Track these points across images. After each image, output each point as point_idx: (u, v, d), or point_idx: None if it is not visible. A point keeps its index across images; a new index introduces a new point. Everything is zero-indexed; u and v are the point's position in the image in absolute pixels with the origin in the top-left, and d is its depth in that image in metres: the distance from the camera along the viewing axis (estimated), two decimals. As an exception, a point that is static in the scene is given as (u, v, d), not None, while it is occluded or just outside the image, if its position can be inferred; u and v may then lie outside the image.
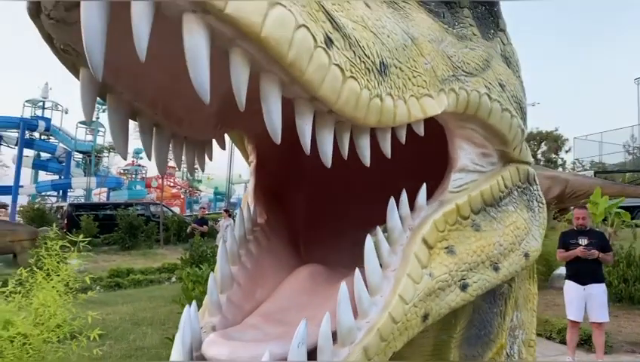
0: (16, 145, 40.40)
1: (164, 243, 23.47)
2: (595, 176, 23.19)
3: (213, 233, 18.95)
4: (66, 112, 45.79)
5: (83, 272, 5.08)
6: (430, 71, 1.13)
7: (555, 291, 8.14)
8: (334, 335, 0.97)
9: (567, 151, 40.86)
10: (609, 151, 31.65)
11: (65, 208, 26.85)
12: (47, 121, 42.63)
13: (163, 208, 26.43)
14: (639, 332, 7.93)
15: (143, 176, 56.64)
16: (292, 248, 1.52)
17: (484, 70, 1.35)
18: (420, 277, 1.11)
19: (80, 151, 47.08)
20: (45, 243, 4.43)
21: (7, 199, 35.74)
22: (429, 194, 1.27)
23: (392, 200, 1.17)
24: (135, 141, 1.16)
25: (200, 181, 59.85)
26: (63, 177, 44.32)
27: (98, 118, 43.51)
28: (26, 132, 40.40)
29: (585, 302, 6.58)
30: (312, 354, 0.95)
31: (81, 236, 4.56)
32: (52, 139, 44.50)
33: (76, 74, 0.93)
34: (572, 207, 8.14)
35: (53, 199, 42.16)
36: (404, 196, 1.19)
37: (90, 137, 48.25)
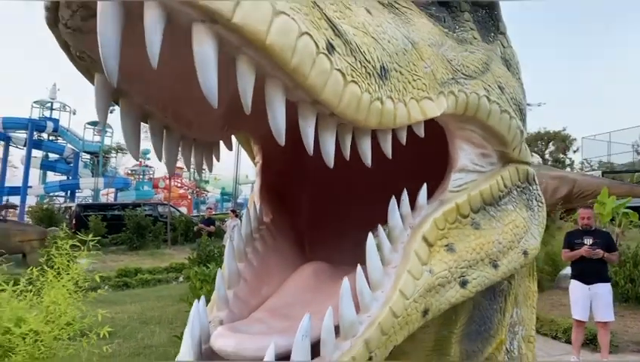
0: (24, 145, 40.71)
1: (172, 243, 23.64)
2: (602, 176, 23.05)
3: (220, 233, 19.05)
4: (74, 113, 46.06)
5: (92, 272, 5.17)
6: (430, 74, 1.17)
7: (562, 291, 8.16)
8: (337, 329, 1.01)
9: (575, 151, 40.71)
10: (617, 151, 31.43)
11: (73, 208, 27.04)
12: (56, 121, 42.91)
13: (170, 208, 26.59)
14: (645, 332, 7.93)
15: (151, 176, 56.93)
16: (297, 247, 1.56)
17: (483, 73, 1.38)
18: (420, 273, 1.15)
19: (88, 152, 47.36)
20: (55, 243, 4.51)
21: (15, 199, 35.99)
22: (430, 194, 1.31)
23: (393, 200, 1.21)
24: (143, 142, 1.21)
25: (207, 181, 60.07)
26: (71, 178, 44.60)
27: (106, 118, 43.82)
28: (35, 133, 40.69)
29: (590, 301, 6.61)
30: (315, 346, 0.98)
31: (90, 235, 4.64)
32: (60, 140, 44.80)
33: (90, 79, 0.98)
34: (579, 207, 8.14)
35: (61, 200, 42.42)
36: (404, 195, 1.23)
37: (97, 138, 48.50)
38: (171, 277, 14.83)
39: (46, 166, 45.16)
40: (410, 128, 1.14)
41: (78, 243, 4.54)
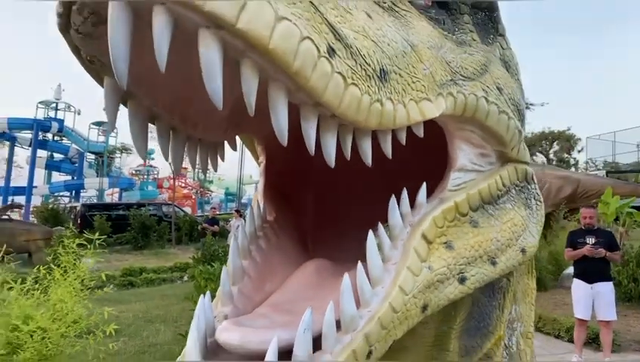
0: (29, 146, 40.89)
1: (176, 242, 23.70)
2: (607, 175, 22.97)
3: (224, 233, 19.11)
4: (79, 113, 46.20)
5: (96, 271, 5.23)
6: (429, 76, 1.19)
7: (565, 290, 8.18)
8: (338, 323, 1.03)
9: (579, 151, 40.58)
10: (622, 151, 31.28)
11: (78, 208, 27.14)
12: (60, 122, 43.08)
13: (175, 208, 26.65)
14: (648, 331, 7.94)
15: (155, 176, 57.05)
16: (300, 245, 1.59)
17: (482, 74, 1.41)
18: (419, 270, 1.18)
19: (92, 152, 47.55)
20: (62, 242, 4.57)
21: (20, 199, 36.16)
22: (430, 193, 1.34)
23: (393, 199, 1.24)
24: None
25: (211, 182, 60.20)
26: (75, 178, 44.78)
27: (111, 119, 43.97)
28: (40, 133, 40.86)
29: (592, 300, 6.62)
30: (317, 340, 1.01)
31: (96, 235, 4.70)
32: (65, 140, 44.98)
33: (100, 82, 1.01)
34: (582, 207, 8.16)
35: (66, 199, 42.60)
36: (404, 194, 1.26)
37: (102, 138, 48.69)
38: (176, 276, 14.88)
39: (51, 166, 45.35)
40: (410, 128, 1.16)
41: (85, 242, 4.60)
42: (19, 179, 42.26)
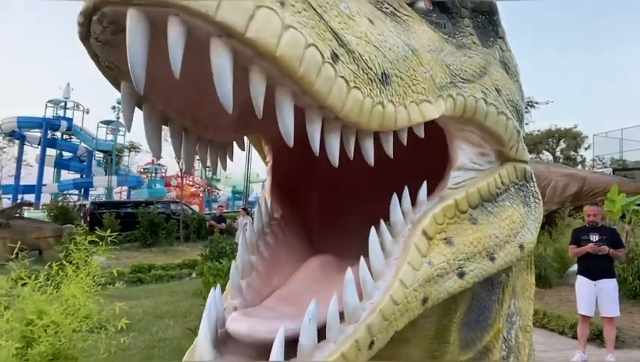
0: (39, 144, 41.28)
1: (185, 240, 23.87)
2: (613, 173, 22.82)
3: (232, 230, 19.21)
4: (87, 112, 46.59)
5: (105, 269, 5.32)
6: (429, 79, 1.23)
7: (570, 287, 8.21)
8: (342, 315, 1.08)
9: (586, 149, 40.32)
10: (630, 149, 31.05)
11: (87, 206, 27.36)
12: (69, 121, 43.44)
13: (183, 206, 26.81)
14: (652, 328, 7.96)
15: (163, 174, 57.32)
16: (305, 241, 1.63)
17: (481, 76, 1.45)
18: (419, 264, 1.22)
19: (101, 151, 47.83)
20: (74, 239, 4.67)
21: (30, 197, 36.47)
22: (431, 191, 1.38)
23: (394, 197, 1.28)
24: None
25: (219, 180, 60.34)
26: (84, 176, 45.13)
27: (119, 117, 44.22)
28: (49, 132, 41.23)
29: (596, 297, 6.65)
30: (321, 331, 1.06)
31: (108, 232, 4.79)
32: (74, 139, 45.36)
33: (117, 86, 1.07)
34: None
35: (75, 197, 42.91)
36: (405, 192, 1.30)
37: (110, 137, 48.98)
38: (184, 273, 15.01)
39: (60, 164, 45.74)
40: (411, 129, 1.20)
41: (97, 239, 4.69)
42: (28, 178, 42.66)
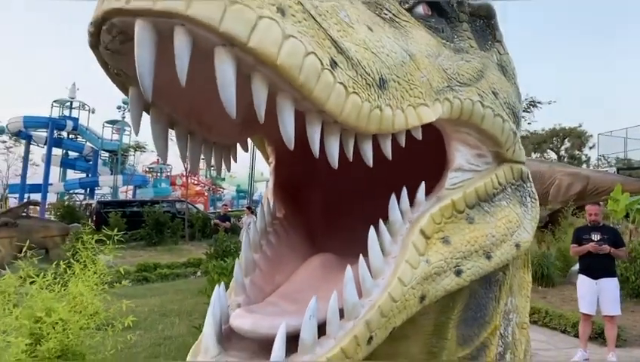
0: (45, 144, 41.37)
1: (189, 239, 23.92)
2: (618, 172, 22.73)
3: (236, 229, 19.27)
4: (93, 112, 46.55)
5: (112, 267, 5.39)
6: (426, 83, 1.27)
7: (573, 286, 8.24)
8: (341, 312, 1.12)
9: (591, 148, 40.12)
10: (635, 148, 30.87)
11: (93, 205, 27.46)
12: (75, 120, 43.46)
13: (188, 205, 26.89)
14: (654, 327, 7.97)
15: (168, 174, 57.41)
16: (307, 240, 1.66)
17: (478, 80, 1.48)
18: (417, 263, 1.25)
19: (107, 150, 47.87)
20: (81, 238, 4.74)
21: (36, 197, 36.63)
22: (429, 192, 1.42)
23: (393, 197, 1.32)
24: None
25: (223, 179, 60.35)
26: (90, 175, 45.22)
27: (124, 117, 44.41)
28: (55, 131, 41.28)
29: (597, 295, 6.68)
30: (322, 327, 1.09)
31: (115, 231, 4.86)
32: (79, 139, 45.39)
33: (125, 92, 1.12)
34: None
35: (81, 197, 43.08)
36: (404, 193, 1.34)
37: (116, 136, 49.09)
38: (189, 271, 15.05)
39: (66, 164, 45.81)
40: (409, 132, 1.24)
41: (104, 238, 4.76)
42: (34, 177, 42.77)
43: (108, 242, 4.79)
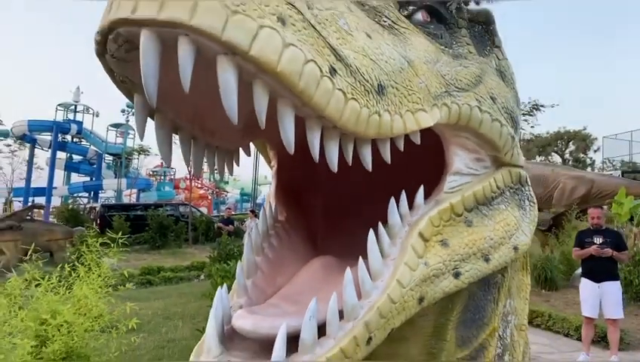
0: (49, 147, 41.59)
1: (193, 242, 23.98)
2: (622, 175, 22.65)
3: (239, 232, 19.28)
4: (97, 115, 46.85)
5: (115, 271, 5.43)
6: (424, 89, 1.29)
7: (576, 290, 8.25)
8: (341, 313, 1.14)
9: (595, 151, 40.02)
10: (639, 151, 30.78)
11: (97, 209, 27.55)
12: (79, 124, 43.72)
13: (191, 209, 26.94)
14: (658, 330, 7.96)
15: (172, 177, 57.52)
16: (308, 242, 1.68)
17: (476, 85, 1.50)
18: (416, 265, 1.27)
19: (111, 154, 48.10)
20: (86, 241, 4.78)
21: (40, 200, 36.79)
22: (428, 195, 1.44)
23: (392, 200, 1.34)
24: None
25: (227, 182, 60.38)
26: (94, 179, 45.41)
27: (128, 121, 44.55)
28: (59, 135, 41.51)
29: (600, 299, 6.68)
30: (322, 328, 1.12)
31: (118, 234, 4.90)
32: (84, 142, 45.67)
33: (130, 98, 1.15)
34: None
35: (85, 200, 43.21)
36: (403, 196, 1.36)
37: (120, 140, 49.27)
38: (193, 275, 15.09)
39: (70, 167, 46.03)
40: (407, 137, 1.26)
41: (108, 241, 4.80)
42: (39, 180, 42.94)
43: (112, 245, 4.83)
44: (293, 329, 1.11)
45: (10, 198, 36.82)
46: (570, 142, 41.58)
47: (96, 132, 46.12)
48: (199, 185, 56.26)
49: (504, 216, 1.56)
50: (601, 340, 7.37)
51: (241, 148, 1.45)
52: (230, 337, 1.22)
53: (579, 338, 7.35)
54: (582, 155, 41.11)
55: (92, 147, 45.68)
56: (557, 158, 40.41)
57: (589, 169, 35.22)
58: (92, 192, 45.36)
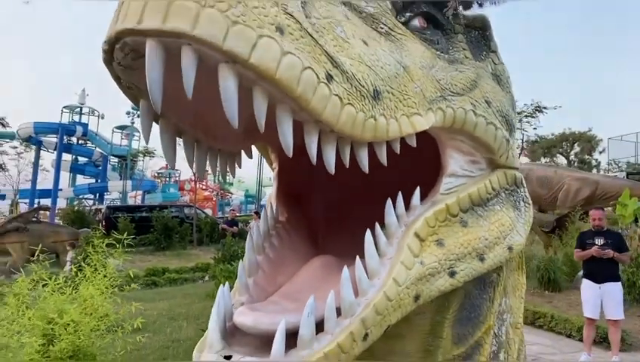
0: (55, 149, 41.77)
1: (198, 243, 23.99)
2: (627, 177, 22.55)
3: (244, 234, 19.31)
4: (102, 118, 46.96)
5: (121, 271, 5.50)
6: (419, 93, 1.33)
7: (579, 291, 8.26)
8: (339, 311, 1.18)
9: (601, 152, 39.84)
10: (645, 152, 30.63)
11: (103, 210, 27.63)
12: (85, 126, 43.87)
13: (196, 210, 27.00)
14: (660, 331, 7.96)
15: (177, 179, 57.61)
16: (309, 242, 1.72)
17: (471, 89, 1.54)
18: (412, 264, 1.31)
19: (116, 156, 48.26)
20: (92, 242, 4.85)
21: (46, 202, 36.93)
22: (425, 196, 1.48)
23: (389, 201, 1.38)
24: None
25: (231, 184, 60.42)
26: (99, 181, 45.56)
27: (133, 123, 44.69)
28: (65, 137, 41.67)
29: (601, 299, 6.70)
30: (320, 325, 1.16)
31: (124, 236, 4.96)
32: (89, 144, 45.84)
33: (136, 103, 1.19)
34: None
35: (90, 202, 43.36)
36: (399, 197, 1.40)
37: (125, 142, 49.44)
38: (197, 276, 15.13)
39: (75, 169, 46.23)
40: (404, 140, 1.30)
41: (114, 242, 4.87)
42: (44, 182, 43.07)
43: (117, 246, 4.89)
44: (292, 325, 1.14)
45: (16, 200, 36.94)
46: (576, 144, 41.43)
47: (101, 134, 46.30)
48: (204, 187, 56.34)
49: (499, 216, 1.60)
50: (603, 341, 7.37)
51: (243, 151, 1.49)
52: (232, 333, 1.26)
53: (581, 339, 7.35)
54: (587, 157, 40.93)
55: (97, 149, 45.85)
56: (562, 160, 40.26)
57: (594, 170, 35.07)
58: (97, 194, 45.51)
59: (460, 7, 1.68)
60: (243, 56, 0.95)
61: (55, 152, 41.57)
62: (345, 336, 1.15)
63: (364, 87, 1.15)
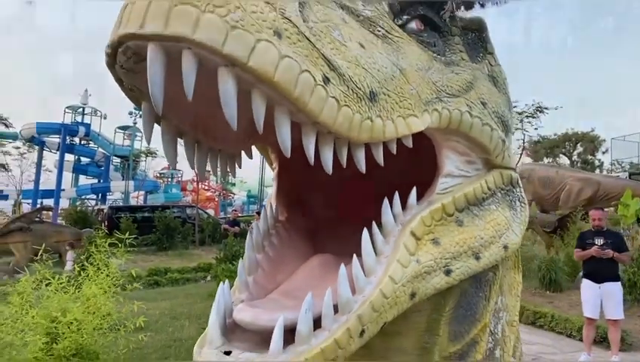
0: (57, 150, 41.83)
1: (200, 244, 24.05)
2: (630, 177, 22.51)
3: (246, 234, 19.20)
4: (105, 118, 47.00)
5: (124, 271, 5.53)
6: (415, 95, 1.35)
7: (580, 292, 8.29)
8: (336, 308, 1.21)
9: (604, 153, 39.78)
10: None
11: (105, 211, 27.68)
12: (87, 126, 43.89)
13: (198, 210, 27.03)
14: (661, 331, 7.97)
15: (179, 179, 57.60)
16: (308, 241, 1.74)
17: (467, 91, 1.56)
18: (408, 262, 1.34)
19: (118, 156, 48.23)
20: (95, 242, 4.89)
21: (49, 202, 37.02)
22: (421, 196, 1.51)
23: (385, 200, 1.40)
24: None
25: (234, 184, 60.50)
26: (102, 181, 45.63)
27: (135, 123, 44.75)
28: (67, 137, 41.72)
29: (600, 299, 6.71)
30: (318, 322, 1.18)
31: (126, 235, 5.00)
32: (91, 144, 45.89)
33: (138, 105, 1.22)
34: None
35: (93, 202, 43.44)
36: (396, 196, 1.43)
37: (127, 142, 49.47)
38: (199, 276, 15.17)
39: (78, 169, 46.29)
40: (400, 141, 1.33)
41: (117, 241, 4.90)
42: (47, 183, 43.08)
43: (120, 245, 4.92)
44: (290, 321, 1.17)
45: (19, 200, 37.07)
46: (578, 144, 41.38)
47: (104, 134, 46.33)
48: (206, 188, 56.39)
49: (495, 216, 1.62)
50: (603, 340, 7.39)
51: (243, 152, 1.52)
52: (232, 329, 1.28)
53: (581, 339, 7.36)
54: (590, 157, 40.88)
55: (100, 149, 45.91)
56: (565, 160, 40.20)
57: (597, 171, 35.00)
58: (100, 194, 45.57)
59: (462, 8, 1.70)
60: (242, 59, 0.98)
61: (58, 153, 41.63)
62: (342, 332, 1.17)
63: (360, 89, 1.17)
